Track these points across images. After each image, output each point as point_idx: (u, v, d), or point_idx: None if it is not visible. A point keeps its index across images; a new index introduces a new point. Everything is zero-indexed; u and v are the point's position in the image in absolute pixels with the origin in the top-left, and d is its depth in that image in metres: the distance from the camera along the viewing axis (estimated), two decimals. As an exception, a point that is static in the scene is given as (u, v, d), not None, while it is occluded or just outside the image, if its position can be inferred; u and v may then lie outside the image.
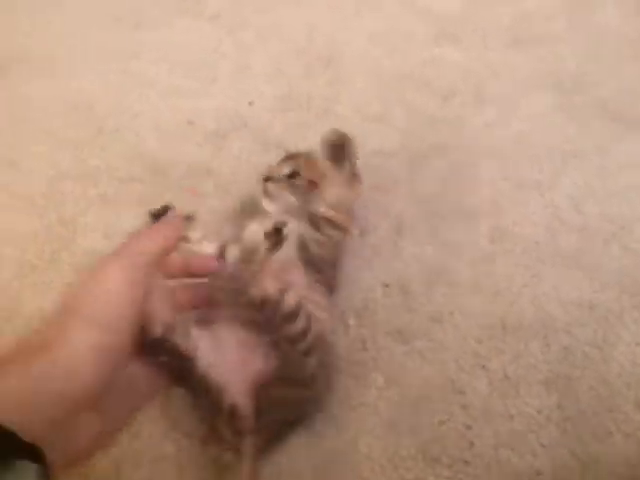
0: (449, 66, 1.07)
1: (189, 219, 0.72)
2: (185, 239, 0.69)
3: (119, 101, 1.10)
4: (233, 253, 0.70)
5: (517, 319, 0.76)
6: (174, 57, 1.16)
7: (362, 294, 0.81)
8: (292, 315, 0.63)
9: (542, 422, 0.69)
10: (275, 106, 1.05)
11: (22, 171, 1.03)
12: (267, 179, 0.74)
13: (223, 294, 0.68)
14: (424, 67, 1.07)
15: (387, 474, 0.67)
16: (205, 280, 0.70)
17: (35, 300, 0.87)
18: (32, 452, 0.46)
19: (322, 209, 0.72)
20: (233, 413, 0.64)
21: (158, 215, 0.70)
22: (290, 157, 0.78)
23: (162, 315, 0.61)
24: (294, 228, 0.70)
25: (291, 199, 0.73)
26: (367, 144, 0.96)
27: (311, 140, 0.97)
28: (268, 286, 0.63)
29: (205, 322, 0.67)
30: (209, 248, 0.71)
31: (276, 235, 0.66)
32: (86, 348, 0.53)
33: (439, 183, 0.90)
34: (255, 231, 0.70)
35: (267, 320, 0.63)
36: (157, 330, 0.61)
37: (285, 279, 0.65)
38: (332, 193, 0.74)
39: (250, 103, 1.06)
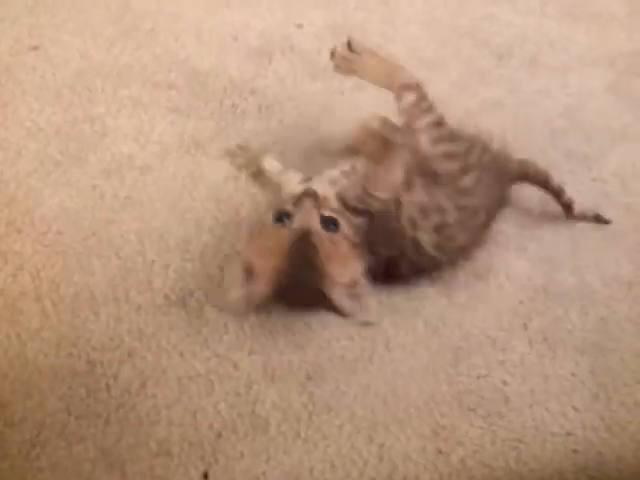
0: (505, 26, 1.04)
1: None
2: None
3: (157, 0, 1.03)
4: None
5: (558, 286, 0.77)
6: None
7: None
8: None
9: (576, 386, 0.70)
10: (325, 33, 1.00)
11: (48, 59, 0.95)
12: None
13: None
14: (481, 23, 1.04)
15: (422, 417, 0.68)
16: None
17: (56, 197, 0.82)
18: None
19: None
20: None
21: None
22: None
23: None
24: None
25: None
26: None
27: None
28: None
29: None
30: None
31: None
32: None
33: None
34: None
35: None
36: None
37: None
38: None
39: (299, 26, 1.00)
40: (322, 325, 0.73)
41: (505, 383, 0.70)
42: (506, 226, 0.81)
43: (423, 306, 0.75)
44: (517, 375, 0.71)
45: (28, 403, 0.67)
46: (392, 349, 0.72)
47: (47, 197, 0.81)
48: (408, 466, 0.65)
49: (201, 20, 1.01)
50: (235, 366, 0.70)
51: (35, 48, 0.97)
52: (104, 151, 0.86)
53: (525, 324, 0.74)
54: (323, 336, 0.73)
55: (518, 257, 0.79)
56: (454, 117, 0.90)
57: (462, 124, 0.89)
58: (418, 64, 0.97)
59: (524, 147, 0.88)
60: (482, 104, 0.93)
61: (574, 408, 0.69)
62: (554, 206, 0.82)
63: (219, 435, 0.67)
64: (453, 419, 0.68)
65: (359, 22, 1.01)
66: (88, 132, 0.87)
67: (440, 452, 0.66)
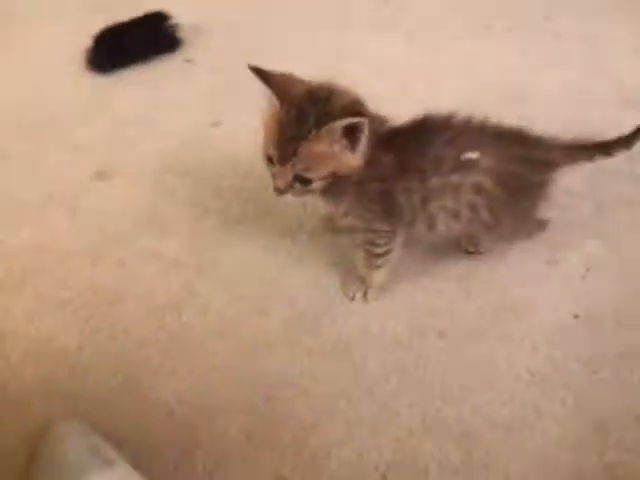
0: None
1: None
2: None
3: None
4: None
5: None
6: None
7: (552, 319, 0.86)
8: None
9: None
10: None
11: (227, 134, 1.11)
12: None
13: None
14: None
15: (575, 484, 0.72)
16: None
17: (238, 249, 0.95)
18: None
19: None
20: None
21: None
22: None
23: None
24: None
25: None
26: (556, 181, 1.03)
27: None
28: None
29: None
30: None
31: None
32: None
33: (627, 232, 0.96)
34: None
35: None
36: None
37: None
38: None
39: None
40: (476, 388, 0.80)
41: (649, 457, 0.74)
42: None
43: (571, 379, 0.80)
44: (659, 450, 0.74)
45: (213, 430, 0.76)
46: (543, 417, 0.77)
47: (231, 248, 0.94)
48: (561, 530, 0.69)
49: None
50: (396, 415, 0.77)
51: (216, 124, 1.13)
52: (277, 216, 0.98)
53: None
54: (476, 399, 0.79)
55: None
56: (588, 211, 0.99)
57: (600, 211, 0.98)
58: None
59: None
60: (615, 199, 1.01)
61: None
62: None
63: (383, 477, 0.73)
64: (602, 488, 0.72)
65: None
66: (264, 198, 1.00)
67: (590, 518, 0.70)
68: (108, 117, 1.15)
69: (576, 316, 0.86)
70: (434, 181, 0.77)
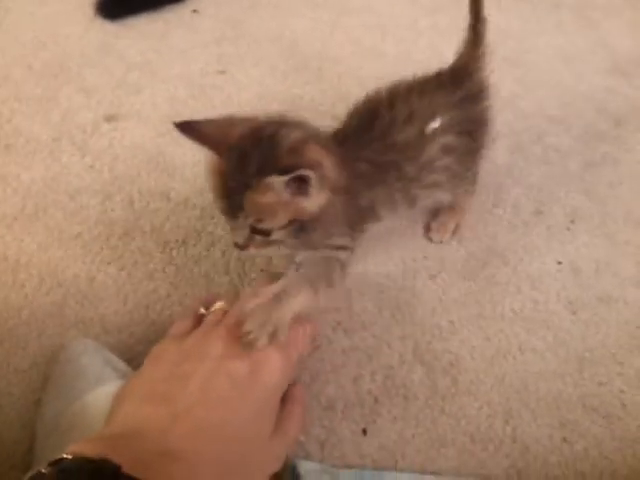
0: (622, 97, 1.18)
1: None
2: None
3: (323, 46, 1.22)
4: None
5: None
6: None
7: (537, 265, 0.92)
8: None
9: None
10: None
11: (233, 83, 1.15)
12: None
13: None
14: (600, 92, 1.19)
15: (550, 410, 0.78)
16: None
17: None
18: None
19: None
20: None
21: None
22: None
23: None
24: None
25: None
26: (545, 139, 1.09)
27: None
28: None
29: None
30: None
31: None
32: None
33: (611, 188, 1.02)
34: None
35: None
36: None
37: None
38: None
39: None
40: (463, 325, 0.86)
41: (622, 392, 0.80)
42: (625, 260, 0.93)
43: (552, 319, 0.86)
44: (633, 386, 0.81)
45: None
46: (524, 351, 0.83)
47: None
48: (538, 448, 0.76)
49: (359, 67, 1.19)
50: (388, 346, 0.83)
51: (222, 72, 1.16)
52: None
53: (641, 346, 0.85)
54: (463, 333, 0.85)
55: (636, 288, 0.90)
56: (576, 166, 1.05)
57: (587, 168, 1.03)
58: (545, 119, 1.12)
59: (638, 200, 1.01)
60: (601, 158, 1.06)
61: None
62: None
63: (376, 400, 0.79)
64: (577, 415, 0.78)
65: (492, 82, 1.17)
66: (267, 144, 1.05)
67: (565, 440, 0.76)
68: (116, 63, 1.17)
69: (559, 263, 0.92)
70: (409, 169, 0.73)
